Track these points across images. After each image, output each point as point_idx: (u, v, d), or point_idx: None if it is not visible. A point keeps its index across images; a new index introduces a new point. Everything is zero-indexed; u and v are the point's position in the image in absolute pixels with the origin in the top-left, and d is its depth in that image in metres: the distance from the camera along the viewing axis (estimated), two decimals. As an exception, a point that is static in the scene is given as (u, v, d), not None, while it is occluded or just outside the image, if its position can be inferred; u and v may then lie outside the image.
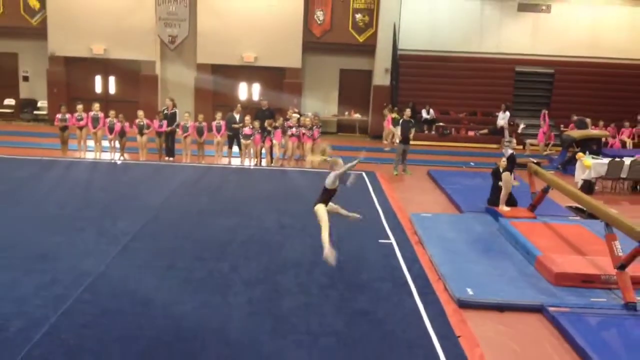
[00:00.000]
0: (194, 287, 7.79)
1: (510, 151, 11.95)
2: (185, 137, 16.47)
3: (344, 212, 8.80)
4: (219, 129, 16.51)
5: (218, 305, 7.29)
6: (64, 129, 16.62)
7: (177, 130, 16.58)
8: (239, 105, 17.65)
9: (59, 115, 16.57)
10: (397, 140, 16.55)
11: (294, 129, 16.23)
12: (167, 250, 9.20)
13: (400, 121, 16.57)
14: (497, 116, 21.17)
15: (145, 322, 6.75)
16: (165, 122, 16.45)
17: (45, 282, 7.72)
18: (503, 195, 11.68)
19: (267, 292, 7.68)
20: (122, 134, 16.38)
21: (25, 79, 22.55)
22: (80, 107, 16.69)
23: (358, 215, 9.02)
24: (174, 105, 16.99)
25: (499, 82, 22.54)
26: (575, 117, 19.77)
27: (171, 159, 16.61)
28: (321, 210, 8.20)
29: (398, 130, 16.56)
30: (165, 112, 16.80)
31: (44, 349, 6.07)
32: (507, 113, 20.91)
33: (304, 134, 16.31)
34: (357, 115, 22.39)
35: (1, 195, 12.01)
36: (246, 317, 7.01)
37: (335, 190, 8.32)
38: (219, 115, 16.81)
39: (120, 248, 9.16)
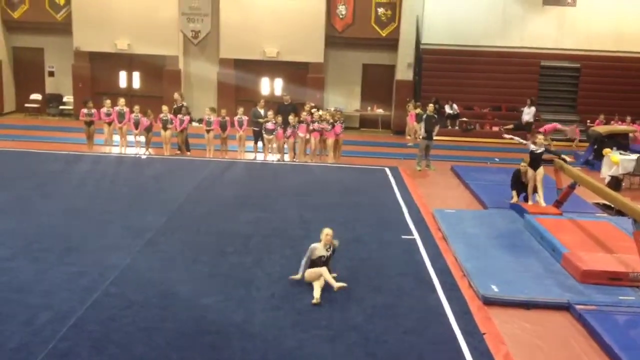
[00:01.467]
0: (218, 281, 7.85)
1: (532, 147, 11.85)
2: (208, 131, 16.56)
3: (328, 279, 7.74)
4: (241, 124, 16.56)
5: (241, 299, 7.33)
6: (89, 123, 16.79)
7: (193, 125, 16.63)
8: (262, 100, 17.69)
9: (84, 110, 16.73)
10: (420, 136, 16.46)
11: (315, 124, 16.22)
12: (191, 244, 9.28)
13: (424, 116, 16.46)
14: (522, 111, 20.94)
15: (169, 315, 6.82)
16: (186, 118, 16.53)
17: (72, 275, 7.84)
18: (530, 188, 11.69)
19: (290, 287, 7.71)
20: (148, 129, 16.54)
21: (51, 74, 22.85)
22: (108, 102, 16.83)
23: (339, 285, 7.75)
24: (182, 99, 17.10)
25: (523, 77, 22.27)
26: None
27: (188, 152, 16.71)
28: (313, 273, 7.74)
29: (421, 126, 16.44)
30: (175, 106, 16.90)
31: (71, 341, 6.17)
32: (533, 108, 20.66)
33: (322, 128, 16.25)
34: (379, 111, 22.30)
35: (29, 189, 12.20)
36: (269, 311, 7.05)
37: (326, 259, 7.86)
38: (241, 110, 16.86)
39: (146, 241, 9.26)
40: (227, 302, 7.25)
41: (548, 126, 19.32)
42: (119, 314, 6.79)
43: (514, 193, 12.11)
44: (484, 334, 6.75)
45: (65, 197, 11.74)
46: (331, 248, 7.90)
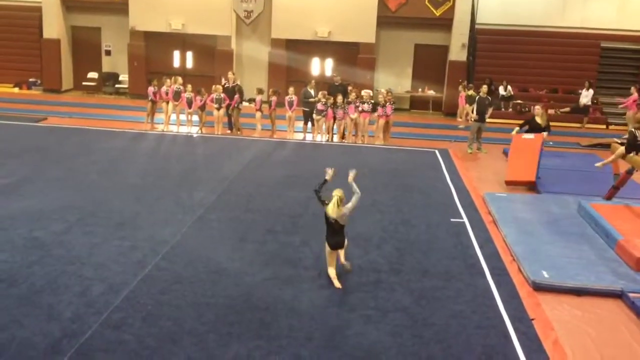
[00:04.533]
0: (266, 259, 7.95)
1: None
2: (257, 111, 16.67)
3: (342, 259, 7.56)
4: (291, 104, 16.58)
5: (289, 278, 7.41)
6: (153, 101, 17.15)
7: (244, 104, 16.73)
8: (312, 80, 17.66)
9: (151, 88, 17.05)
10: (472, 118, 16.18)
11: (365, 105, 16.10)
12: (240, 221, 9.42)
13: (477, 98, 16.17)
14: (579, 94, 20.31)
15: (218, 290, 6.95)
16: (236, 97, 16.62)
17: (125, 249, 8.07)
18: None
19: (337, 267, 7.73)
20: (202, 108, 16.78)
21: (108, 53, 23.36)
22: (168, 81, 17.11)
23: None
24: (236, 78, 17.21)
25: (582, 58, 21.54)
26: None
27: (239, 132, 16.87)
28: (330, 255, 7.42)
29: (473, 108, 16.15)
30: (226, 85, 17.03)
31: (123, 313, 6.37)
32: (591, 91, 20.00)
33: (363, 110, 16.09)
34: (431, 92, 21.99)
35: (85, 164, 12.57)
36: (316, 290, 7.10)
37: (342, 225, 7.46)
38: (291, 89, 16.85)
39: (196, 218, 9.44)
40: (275, 279, 7.34)
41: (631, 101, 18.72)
42: (169, 288, 6.96)
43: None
44: (532, 319, 6.65)
45: (119, 173, 12.05)
46: (342, 203, 7.37)
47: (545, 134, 13.14)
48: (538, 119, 13.42)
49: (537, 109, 13.77)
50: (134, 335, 5.96)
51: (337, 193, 7.56)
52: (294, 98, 16.60)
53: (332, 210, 7.35)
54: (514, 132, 13.41)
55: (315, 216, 9.64)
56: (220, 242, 8.52)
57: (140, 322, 6.19)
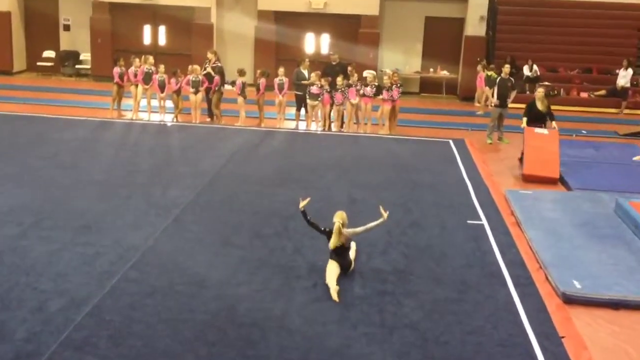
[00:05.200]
0: (253, 268, 7.95)
1: None
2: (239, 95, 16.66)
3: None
4: (281, 87, 16.54)
5: (279, 289, 7.42)
6: (120, 85, 17.08)
7: (226, 87, 16.72)
8: (306, 59, 17.64)
9: (117, 69, 16.99)
10: (493, 103, 16.20)
11: (367, 88, 16.10)
12: (223, 224, 9.42)
13: (497, 80, 16.19)
14: (617, 74, 20.36)
15: (197, 304, 6.95)
16: (216, 79, 16.58)
17: (88, 256, 8.06)
18: None
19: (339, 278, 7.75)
20: (177, 92, 16.74)
21: (66, 28, 23.31)
22: (137, 60, 17.05)
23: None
24: (217, 58, 17.17)
25: (620, 34, 21.61)
26: None
27: (217, 120, 16.91)
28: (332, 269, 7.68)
29: (494, 91, 16.18)
30: (207, 66, 16.98)
31: (87, 331, 6.36)
32: (630, 70, 20.06)
33: (365, 94, 16.10)
34: (444, 73, 22.02)
35: (41, 158, 12.55)
36: (311, 304, 7.11)
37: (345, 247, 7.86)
38: (281, 70, 16.78)
39: (171, 220, 9.44)
40: (263, 291, 7.34)
41: None
42: (140, 302, 6.96)
43: None
44: (562, 337, 6.67)
45: (81, 168, 12.03)
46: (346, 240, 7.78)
47: (553, 125, 13.26)
48: (539, 104, 13.52)
49: (539, 91, 13.82)
50: (99, 357, 5.94)
51: (337, 219, 7.76)
52: (285, 80, 16.58)
53: (333, 242, 7.68)
54: (523, 125, 13.49)
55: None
56: (200, 247, 8.52)
57: (106, 342, 6.18)
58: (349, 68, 16.94)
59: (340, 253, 7.72)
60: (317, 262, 8.12)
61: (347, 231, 7.75)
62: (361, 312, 6.98)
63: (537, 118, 13.43)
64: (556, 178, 12.34)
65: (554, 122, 13.30)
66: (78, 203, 10.04)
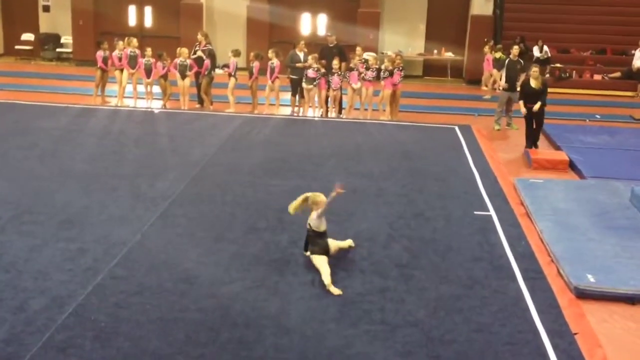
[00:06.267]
0: (246, 263, 7.95)
1: None
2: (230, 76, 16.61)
3: (342, 244, 8.40)
4: (272, 71, 16.48)
5: (275, 286, 7.42)
6: (103, 71, 17.03)
7: (217, 72, 16.71)
8: (302, 41, 17.60)
9: (100, 53, 16.95)
10: (501, 87, 16.19)
11: (368, 72, 16.07)
12: (214, 217, 9.42)
13: (506, 62, 16.18)
14: (632, 55, 20.35)
15: (188, 303, 6.95)
16: (206, 62, 16.54)
17: (71, 252, 8.06)
18: None
19: (335, 271, 7.73)
20: (165, 77, 16.70)
21: (46, 9, 23.24)
22: (121, 43, 17.01)
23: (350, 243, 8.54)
24: (208, 41, 17.12)
25: (636, 12, 21.57)
26: None
27: (198, 106, 16.90)
28: (319, 260, 7.79)
29: (502, 73, 16.18)
30: (197, 48, 16.95)
31: (70, 332, 6.35)
32: (646, 51, 20.07)
33: (365, 78, 16.06)
34: (449, 54, 22.00)
35: (20, 148, 12.53)
36: (308, 301, 7.11)
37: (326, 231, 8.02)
38: (272, 52, 16.60)
39: (159, 214, 9.43)
40: (258, 289, 7.34)
41: None
42: (127, 301, 6.96)
43: None
44: (575, 334, 6.68)
45: (62, 158, 12.02)
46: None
47: (535, 107, 13.54)
48: (533, 83, 13.66)
49: (534, 70, 13.97)
50: (83, 359, 5.95)
51: (309, 194, 8.02)
52: (276, 63, 16.50)
53: (292, 206, 8.13)
54: (522, 109, 13.78)
55: (305, 211, 9.61)
56: (190, 243, 8.52)
57: (91, 343, 6.18)
58: (358, 49, 16.85)
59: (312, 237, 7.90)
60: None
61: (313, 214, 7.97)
62: (362, 309, 6.99)
63: (530, 96, 13.66)
64: (566, 160, 12.39)
65: (537, 104, 13.55)
66: (60, 196, 10.03)
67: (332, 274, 7.58)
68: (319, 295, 7.26)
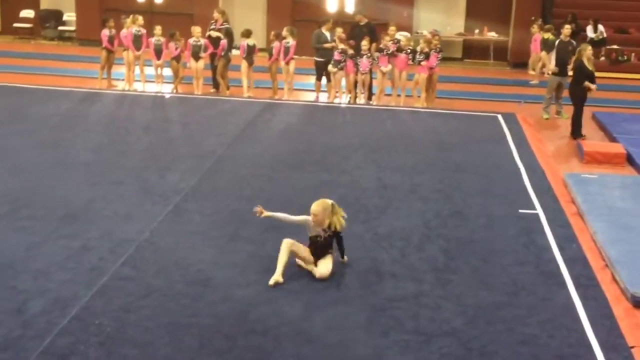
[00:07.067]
0: (265, 265, 7.95)
1: None
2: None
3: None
4: (287, 51, 16.45)
5: (297, 290, 7.43)
6: (109, 51, 17.12)
7: (234, 53, 16.78)
8: (331, 19, 17.55)
9: (106, 32, 17.03)
10: (550, 71, 16.07)
11: (401, 54, 16.01)
12: (230, 213, 9.46)
13: (556, 43, 16.05)
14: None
15: (201, 308, 6.98)
16: (222, 42, 16.58)
17: (74, 250, 8.12)
18: None
19: (363, 275, 7.76)
20: (177, 59, 16.74)
21: (48, -17, 23.42)
22: (128, 21, 17.09)
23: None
24: (225, 19, 17.15)
25: None
26: None
27: (213, 90, 17.01)
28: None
29: (552, 56, 16.05)
30: (213, 27, 16.98)
31: (72, 337, 6.40)
32: None
33: (398, 60, 16.01)
34: (492, 35, 21.88)
35: (17, 135, 12.66)
36: (334, 307, 7.11)
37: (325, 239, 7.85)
38: (287, 30, 16.50)
39: (170, 209, 9.49)
40: (278, 292, 7.35)
41: None
42: (135, 304, 7.00)
43: None
44: (632, 347, 6.63)
45: (64, 148, 12.13)
46: (330, 229, 7.81)
47: (594, 87, 13.81)
48: (589, 65, 13.78)
49: (588, 50, 13.99)
50: (87, 368, 6.01)
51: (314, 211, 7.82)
52: (292, 43, 16.46)
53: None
54: (593, 87, 13.79)
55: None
56: (203, 241, 8.56)
57: (95, 350, 6.22)
58: (391, 28, 16.76)
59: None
60: (338, 258, 8.13)
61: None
62: (393, 316, 6.98)
63: (587, 78, 13.71)
64: (624, 154, 12.29)
65: (594, 85, 13.73)
66: (61, 189, 10.11)
67: (361, 277, 7.59)
68: (345, 299, 7.26)
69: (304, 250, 7.82)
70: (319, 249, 7.81)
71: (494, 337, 6.69)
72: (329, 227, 7.80)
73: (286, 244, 7.68)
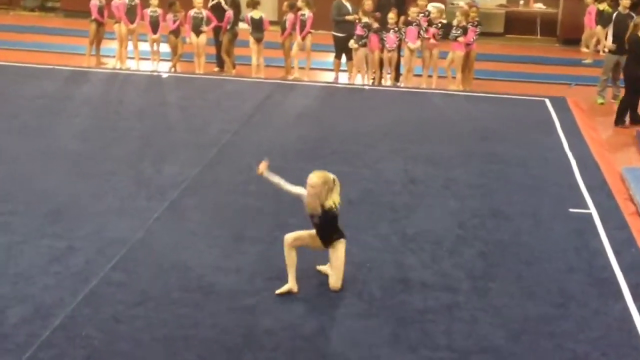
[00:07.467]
0: (275, 269, 7.96)
1: None
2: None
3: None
4: (303, 25, 16.39)
5: (311, 299, 7.45)
6: (99, 23, 17.12)
7: (241, 26, 16.86)
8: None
9: (95, 2, 17.03)
10: (607, 48, 15.98)
11: (433, 28, 15.94)
12: (234, 210, 9.49)
13: (614, 16, 15.95)
14: None
15: (202, 317, 7.01)
16: (228, 14, 16.58)
17: (58, 252, 8.17)
18: None
19: (388, 282, 7.76)
20: (176, 33, 16.72)
21: (28, -55, 23.51)
22: None
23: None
24: None
25: None
26: None
27: (217, 69, 17.13)
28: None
29: (609, 31, 15.96)
30: None
31: (56, 349, 6.44)
32: None
33: (429, 35, 15.96)
34: (538, 6, 21.80)
35: (-5, 121, 12.75)
36: (354, 319, 7.13)
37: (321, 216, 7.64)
38: (302, 1, 16.48)
39: (167, 205, 9.52)
40: (290, 302, 7.37)
41: None
42: (126, 313, 7.03)
43: None
44: (698, 368, 6.62)
45: (48, 134, 12.19)
46: (321, 209, 7.56)
47: None
48: None
49: None
50: (72, 385, 6.06)
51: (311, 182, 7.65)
52: (308, 15, 16.41)
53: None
54: None
55: (350, 203, 9.64)
56: (205, 242, 8.59)
57: (81, 365, 6.29)
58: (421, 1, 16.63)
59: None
60: (363, 264, 8.13)
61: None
62: (423, 331, 6.98)
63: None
64: None
65: None
66: (44, 181, 10.16)
67: (385, 285, 7.60)
68: (368, 311, 7.26)
69: (309, 238, 7.68)
70: (321, 231, 7.63)
71: (539, 355, 6.69)
72: (322, 207, 7.54)
73: (287, 244, 7.59)
